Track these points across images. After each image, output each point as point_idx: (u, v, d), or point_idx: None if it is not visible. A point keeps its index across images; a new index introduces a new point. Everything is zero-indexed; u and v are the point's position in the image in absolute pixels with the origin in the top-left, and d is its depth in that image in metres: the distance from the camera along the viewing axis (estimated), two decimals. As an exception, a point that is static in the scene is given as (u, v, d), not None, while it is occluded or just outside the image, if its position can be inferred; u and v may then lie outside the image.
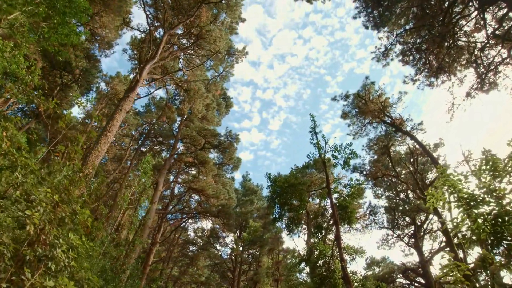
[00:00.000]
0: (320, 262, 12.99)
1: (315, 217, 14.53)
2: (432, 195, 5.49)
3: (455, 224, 4.97)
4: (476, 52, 15.20)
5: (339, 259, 12.31)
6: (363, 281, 13.26)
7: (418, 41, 17.07)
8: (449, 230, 5.26)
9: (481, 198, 4.97)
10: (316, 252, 13.57)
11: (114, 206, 14.94)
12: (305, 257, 14.29)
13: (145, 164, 13.82)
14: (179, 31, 22.80)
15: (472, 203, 4.94)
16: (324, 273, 12.53)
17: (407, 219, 21.97)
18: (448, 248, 20.96)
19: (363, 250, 14.45)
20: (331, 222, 14.39)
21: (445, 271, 4.87)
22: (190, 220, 36.57)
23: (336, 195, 13.17)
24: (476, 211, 4.93)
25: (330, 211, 14.19)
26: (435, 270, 20.55)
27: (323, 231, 13.88)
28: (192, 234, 40.13)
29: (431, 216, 20.85)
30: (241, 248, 32.83)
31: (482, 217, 4.90)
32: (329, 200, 14.83)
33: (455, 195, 5.22)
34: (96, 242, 9.92)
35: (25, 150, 6.03)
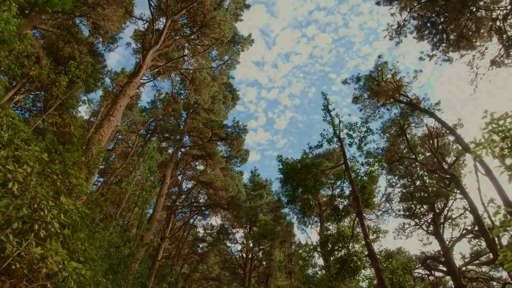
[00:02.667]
0: (339, 245, 12.20)
1: (331, 198, 13.72)
2: (478, 144, 4.70)
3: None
4: (498, 23, 14.22)
5: (360, 238, 11.54)
6: (389, 261, 12.44)
7: (433, 14, 16.14)
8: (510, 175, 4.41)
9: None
10: (333, 236, 12.80)
11: (120, 194, 14.39)
12: (322, 240, 13.45)
13: (150, 149, 13.22)
14: (183, 20, 22.26)
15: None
16: (344, 257, 11.75)
17: (424, 206, 20.96)
18: (470, 235, 19.94)
19: (386, 230, 13.61)
20: (348, 207, 13.61)
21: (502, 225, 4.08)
22: (199, 217, 36.10)
23: (353, 175, 12.35)
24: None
25: (347, 192, 13.46)
26: (455, 259, 19.54)
27: (341, 214, 13.07)
28: (202, 232, 39.67)
29: (450, 202, 19.85)
30: (251, 244, 32.18)
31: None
32: (343, 184, 14.06)
33: (509, 140, 4.43)
34: (100, 225, 9.34)
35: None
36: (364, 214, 24.03)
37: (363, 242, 11.78)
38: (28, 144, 5.36)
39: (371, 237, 12.92)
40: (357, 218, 11.29)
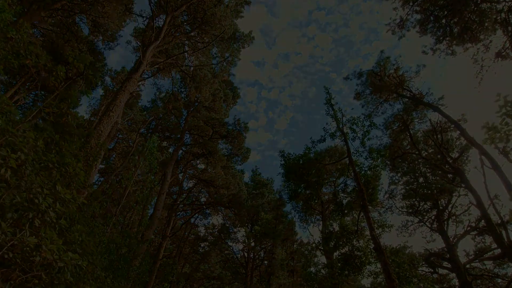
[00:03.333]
0: (343, 240, 12.00)
1: (334, 193, 13.51)
2: (492, 128, 4.50)
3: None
4: (503, 15, 14.04)
5: (364, 234, 11.34)
6: (395, 255, 12.28)
7: (437, 8, 15.95)
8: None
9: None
10: (337, 232, 12.59)
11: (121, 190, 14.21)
12: (324, 236, 13.25)
13: (150, 145, 13.05)
14: (183, 17, 22.13)
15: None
16: (348, 253, 11.57)
17: (428, 203, 20.74)
18: (475, 232, 19.71)
19: (391, 225, 13.44)
20: (351, 203, 13.41)
21: None
22: (200, 216, 35.95)
23: (357, 169, 12.14)
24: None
25: (350, 188, 13.25)
26: (460, 256, 19.29)
27: (344, 209, 12.85)
28: (203, 231, 39.51)
29: (454, 198, 19.61)
30: (253, 243, 31.99)
31: None
32: (347, 180, 13.87)
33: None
34: (99, 220, 9.17)
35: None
36: (373, 203, 23.75)
37: (368, 238, 11.58)
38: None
39: (378, 231, 12.68)
40: (361, 213, 11.07)
